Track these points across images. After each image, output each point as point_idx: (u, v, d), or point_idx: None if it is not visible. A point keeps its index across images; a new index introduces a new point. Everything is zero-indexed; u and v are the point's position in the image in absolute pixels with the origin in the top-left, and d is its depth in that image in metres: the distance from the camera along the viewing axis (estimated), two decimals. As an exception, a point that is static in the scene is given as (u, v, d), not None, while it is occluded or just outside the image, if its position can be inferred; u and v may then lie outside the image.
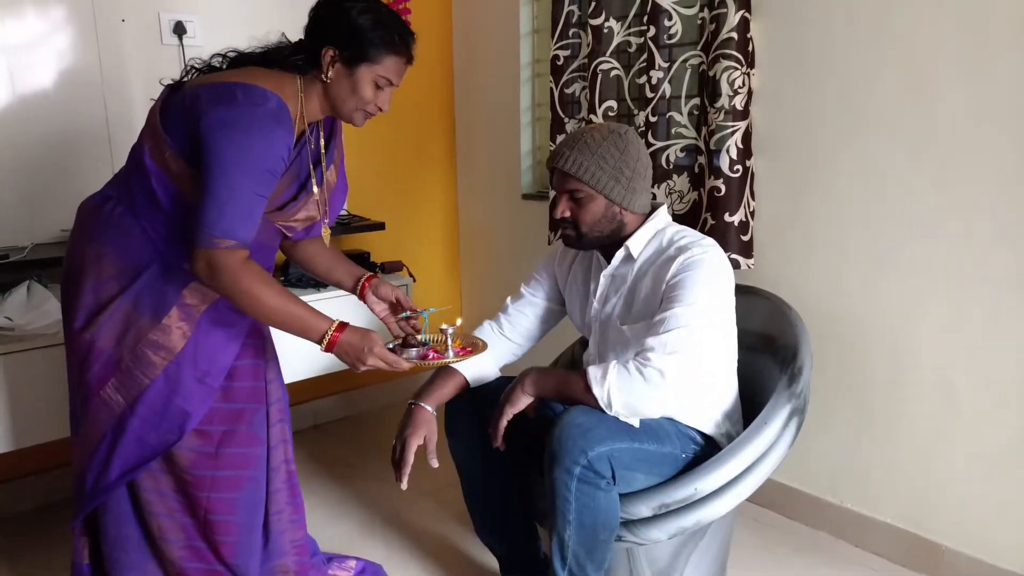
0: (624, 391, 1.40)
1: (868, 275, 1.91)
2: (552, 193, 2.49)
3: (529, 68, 2.78)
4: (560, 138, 2.54)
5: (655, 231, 1.58)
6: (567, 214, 1.55)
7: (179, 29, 2.27)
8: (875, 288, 1.90)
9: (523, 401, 1.50)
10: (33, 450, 1.94)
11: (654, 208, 1.61)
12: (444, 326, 1.50)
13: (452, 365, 1.59)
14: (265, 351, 1.59)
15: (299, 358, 2.04)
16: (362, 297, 1.65)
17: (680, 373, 1.39)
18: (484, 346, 1.54)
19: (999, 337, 1.71)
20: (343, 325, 1.37)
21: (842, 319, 1.96)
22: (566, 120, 2.54)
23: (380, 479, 2.40)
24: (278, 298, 1.33)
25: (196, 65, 1.44)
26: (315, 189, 1.46)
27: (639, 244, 1.57)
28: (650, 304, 1.52)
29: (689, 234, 1.55)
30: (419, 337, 1.54)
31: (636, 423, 1.46)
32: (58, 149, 2.14)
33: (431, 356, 1.46)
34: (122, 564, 1.48)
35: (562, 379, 1.49)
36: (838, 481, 2.05)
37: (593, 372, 1.43)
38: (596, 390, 1.42)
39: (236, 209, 1.28)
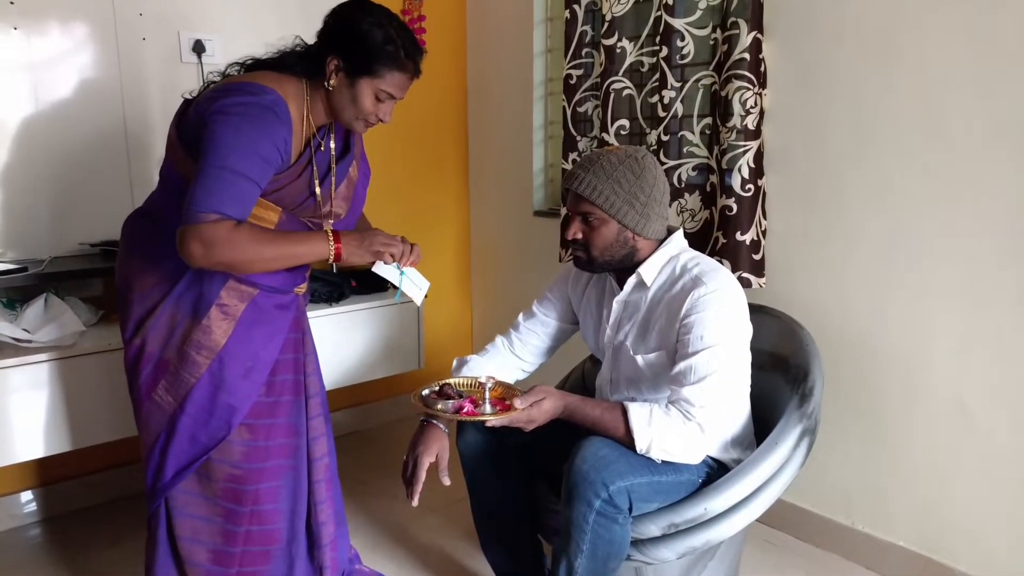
0: (667, 442, 1.42)
1: (880, 293, 1.90)
2: (563, 211, 2.52)
3: (542, 87, 2.80)
4: (573, 156, 2.56)
5: (668, 257, 1.57)
6: (578, 236, 1.54)
7: (198, 47, 2.31)
8: (887, 306, 1.89)
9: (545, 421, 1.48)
10: (97, 449, 2.02)
11: (670, 232, 1.60)
12: (483, 379, 1.48)
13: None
14: (304, 345, 1.64)
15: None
16: None
17: (715, 424, 1.44)
18: (519, 393, 1.48)
19: (1013, 356, 1.70)
20: (336, 234, 1.41)
21: (854, 338, 1.95)
22: (578, 138, 2.56)
23: (389, 495, 2.40)
24: (273, 242, 1.36)
25: (215, 79, 1.47)
26: (323, 191, 1.50)
27: (652, 271, 1.56)
28: (664, 337, 1.52)
29: (703, 262, 1.53)
30: (451, 382, 1.55)
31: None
32: (77, 165, 2.17)
33: (466, 408, 1.44)
34: (152, 564, 1.54)
35: (598, 418, 1.46)
36: (850, 502, 2.03)
37: (637, 419, 1.42)
38: (640, 440, 1.42)
39: (224, 188, 1.28)
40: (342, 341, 2.32)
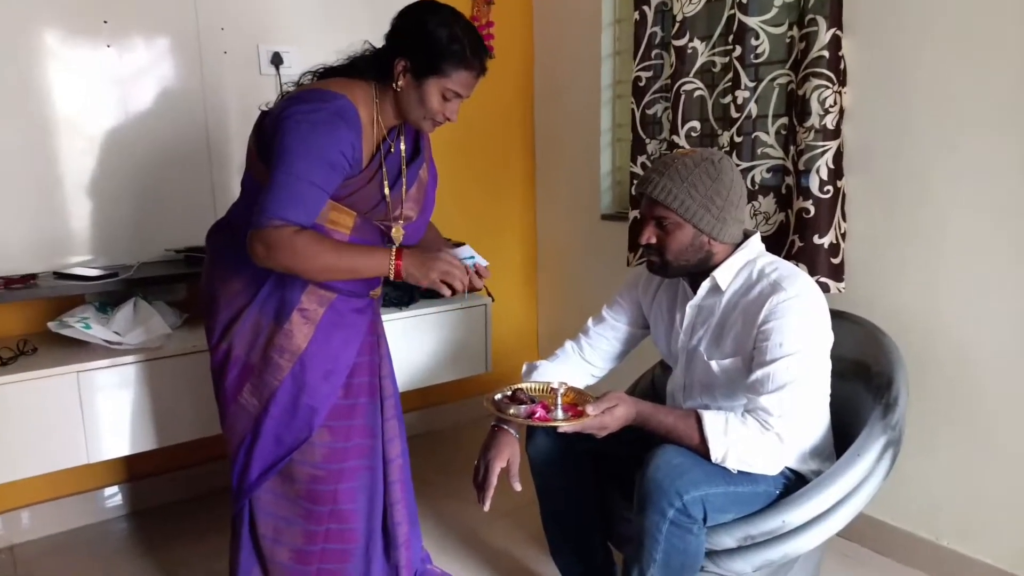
0: (744, 452, 1.39)
1: (970, 299, 1.81)
2: (633, 214, 2.49)
3: (610, 89, 2.78)
4: (641, 159, 2.53)
5: (745, 262, 1.53)
6: (652, 240, 1.52)
7: (276, 60, 2.39)
8: (975, 311, 1.80)
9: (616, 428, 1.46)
10: (180, 446, 2.11)
11: (746, 236, 1.57)
12: (555, 385, 1.47)
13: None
14: (379, 347, 1.68)
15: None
16: None
17: (794, 434, 1.41)
18: (592, 399, 1.46)
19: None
20: (399, 251, 1.42)
21: (941, 344, 1.87)
22: (647, 141, 2.53)
23: (459, 497, 2.42)
24: (334, 252, 1.39)
25: (290, 90, 1.51)
26: (393, 194, 1.51)
27: (727, 276, 1.52)
28: (740, 343, 1.48)
29: (781, 267, 1.49)
30: (523, 387, 1.54)
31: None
32: (162, 174, 2.27)
33: (538, 414, 1.43)
34: (236, 563, 1.60)
35: (671, 426, 1.44)
36: (935, 517, 1.94)
37: (712, 427, 1.40)
38: (715, 449, 1.39)
39: (290, 194, 1.33)
40: (412, 344, 2.36)
